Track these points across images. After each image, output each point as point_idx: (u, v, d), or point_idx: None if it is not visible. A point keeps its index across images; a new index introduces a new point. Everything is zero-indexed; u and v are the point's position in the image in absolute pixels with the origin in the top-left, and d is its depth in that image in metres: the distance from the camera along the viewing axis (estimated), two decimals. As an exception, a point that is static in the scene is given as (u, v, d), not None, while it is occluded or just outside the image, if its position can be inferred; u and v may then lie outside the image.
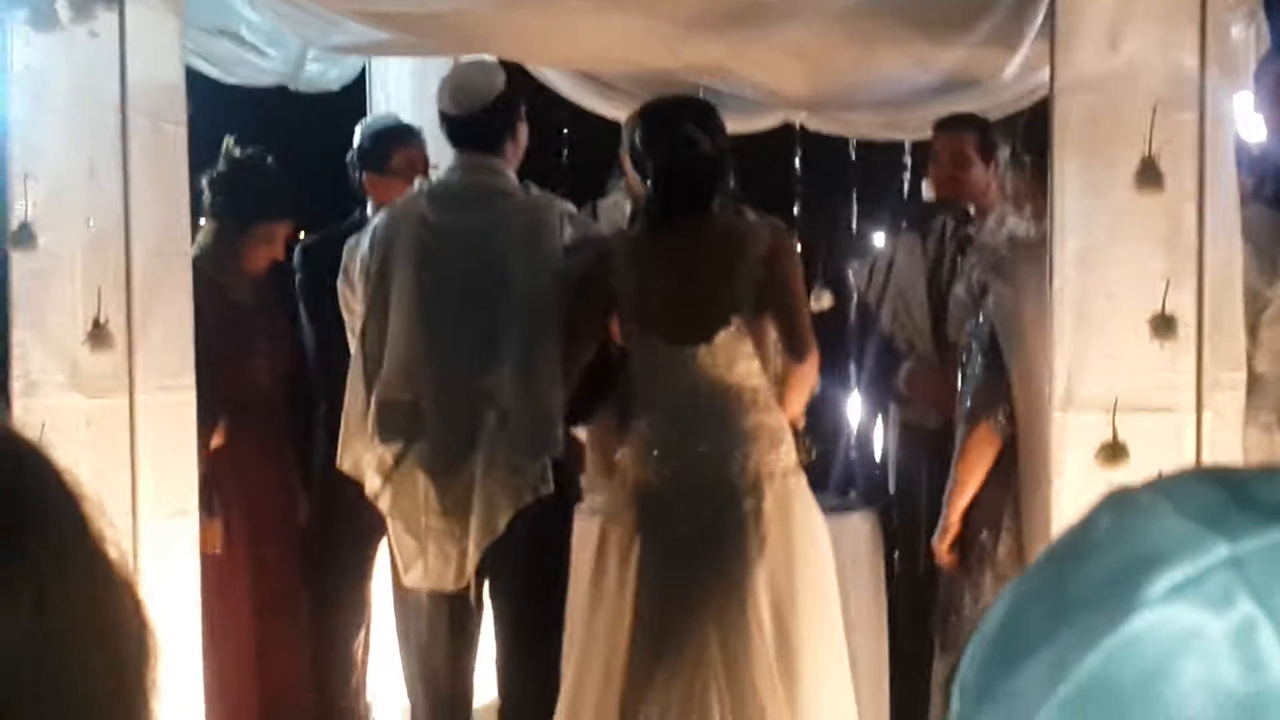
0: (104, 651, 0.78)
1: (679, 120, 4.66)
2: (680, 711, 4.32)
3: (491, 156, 4.89)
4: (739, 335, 4.49)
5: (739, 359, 4.51)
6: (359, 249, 4.98)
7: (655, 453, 4.58)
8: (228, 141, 5.33)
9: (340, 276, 5.06)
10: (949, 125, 5.72)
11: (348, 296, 5.01)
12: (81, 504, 0.81)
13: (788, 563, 4.46)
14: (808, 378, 4.63)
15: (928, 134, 6.18)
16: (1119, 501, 0.70)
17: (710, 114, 4.75)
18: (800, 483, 4.54)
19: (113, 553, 0.81)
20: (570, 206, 5.17)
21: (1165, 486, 0.69)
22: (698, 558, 4.48)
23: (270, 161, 5.51)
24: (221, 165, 5.39)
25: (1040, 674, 0.65)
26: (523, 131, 5.03)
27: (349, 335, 5.01)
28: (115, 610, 0.80)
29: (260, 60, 5.94)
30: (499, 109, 4.90)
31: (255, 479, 5.45)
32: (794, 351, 4.54)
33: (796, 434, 4.66)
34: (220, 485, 5.20)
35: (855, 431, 6.31)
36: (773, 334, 4.59)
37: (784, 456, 4.50)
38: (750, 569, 4.41)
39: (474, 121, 4.91)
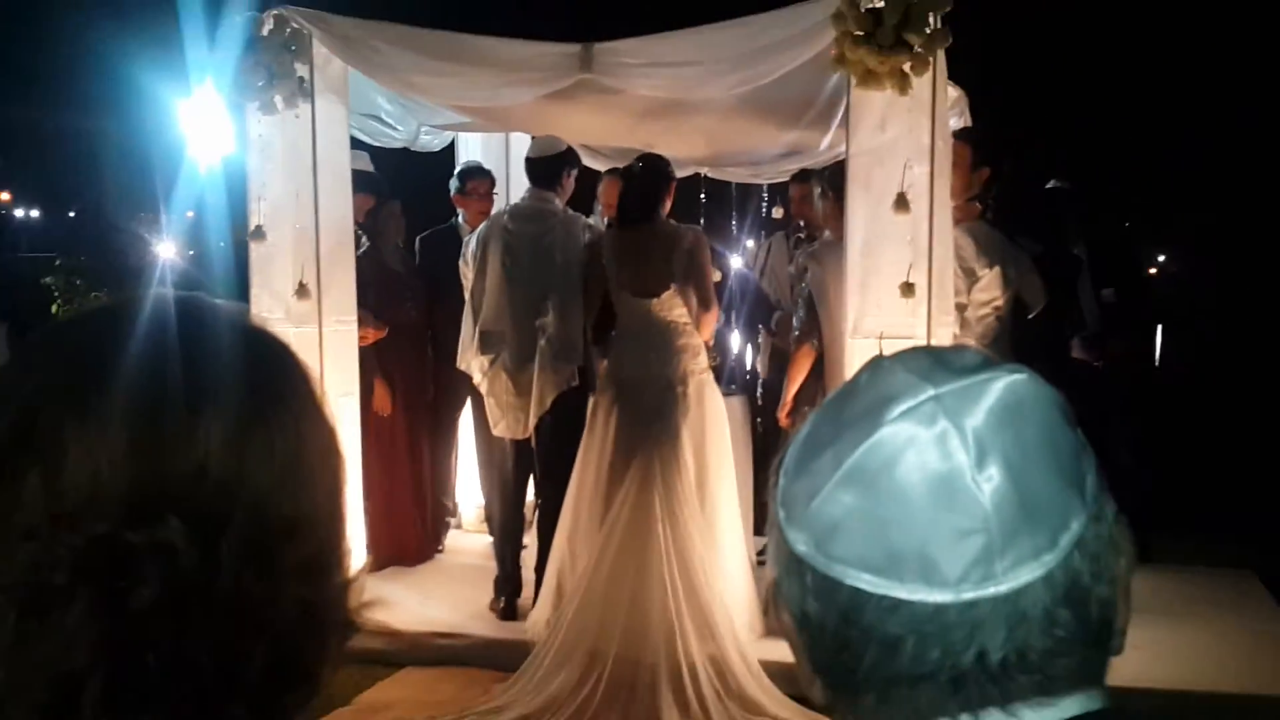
0: (328, 469, 0.92)
1: (642, 173, 5.86)
2: (634, 506, 5.48)
3: (547, 191, 6.15)
4: (675, 293, 5.70)
5: (675, 306, 5.73)
6: (470, 244, 6.20)
7: (627, 359, 5.79)
8: None
9: (461, 260, 6.24)
10: (800, 177, 6.90)
11: (464, 271, 6.21)
12: (310, 374, 0.94)
13: (699, 422, 5.66)
14: (712, 319, 5.77)
15: (779, 179, 7.36)
16: (873, 364, 0.95)
17: (658, 166, 5.89)
18: (709, 378, 5.75)
19: (326, 408, 0.94)
20: (588, 220, 6.36)
21: (898, 355, 0.94)
22: (650, 419, 5.63)
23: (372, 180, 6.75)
24: None
25: (827, 462, 0.89)
26: (569, 181, 6.19)
27: (465, 294, 6.17)
28: (332, 445, 0.93)
29: (393, 132, 7.05)
30: (555, 161, 6.13)
31: (407, 372, 6.99)
32: (704, 304, 5.73)
33: (708, 349, 5.83)
34: (389, 375, 6.82)
35: (739, 351, 7.50)
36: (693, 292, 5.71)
37: (700, 363, 5.72)
38: (679, 427, 5.61)
39: (540, 165, 6.13)
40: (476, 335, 6.09)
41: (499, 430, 6.09)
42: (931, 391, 0.88)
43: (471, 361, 6.11)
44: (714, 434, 5.68)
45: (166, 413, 0.85)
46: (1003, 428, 0.87)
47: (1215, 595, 6.47)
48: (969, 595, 0.85)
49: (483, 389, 6.10)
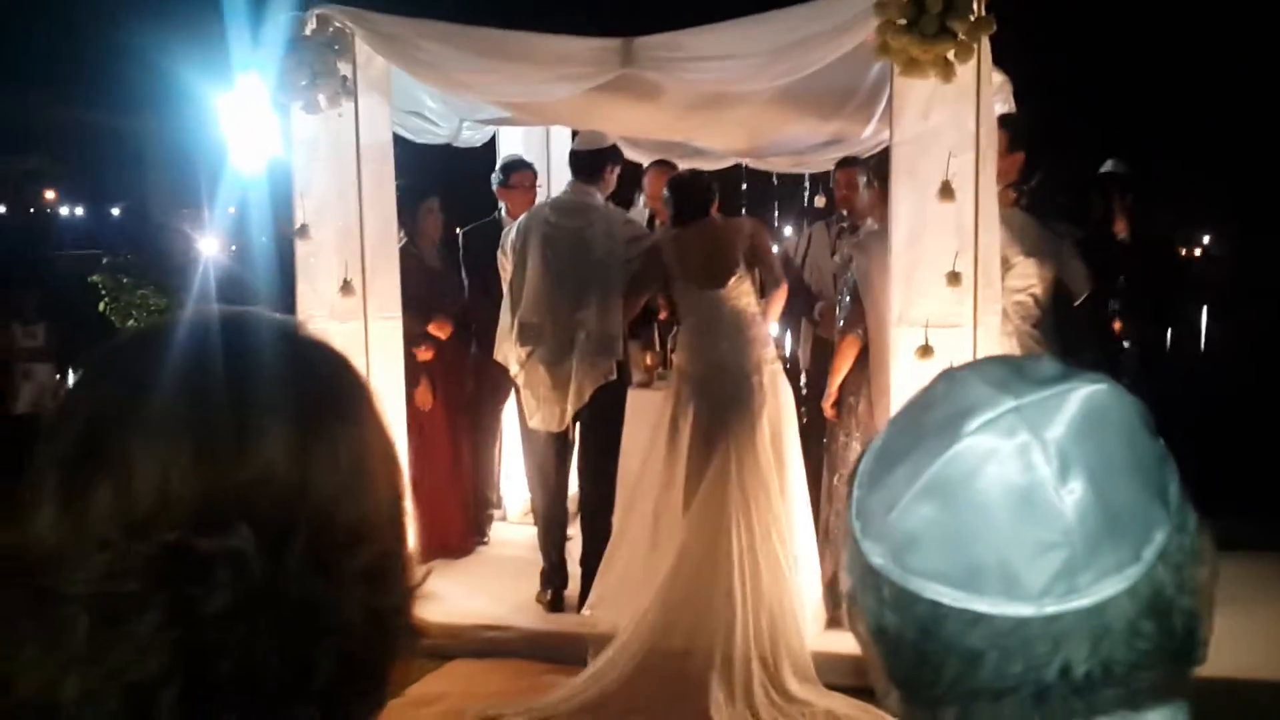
0: (388, 478, 0.94)
1: (689, 180, 6.09)
2: (708, 501, 5.57)
3: (589, 185, 6.18)
4: (740, 280, 5.80)
5: (742, 295, 5.80)
6: (510, 235, 6.25)
7: (698, 352, 5.88)
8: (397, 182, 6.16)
9: (499, 251, 6.28)
10: (845, 163, 6.90)
11: (503, 262, 6.25)
12: (368, 385, 0.96)
13: (776, 412, 5.73)
14: (781, 297, 5.89)
15: (822, 169, 7.34)
16: (948, 375, 0.95)
17: (703, 176, 6.12)
18: (779, 368, 5.85)
19: (385, 418, 0.96)
20: (628, 214, 6.42)
21: (974, 366, 0.94)
22: (727, 409, 5.70)
23: (402, 181, 6.38)
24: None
25: (905, 474, 0.89)
26: (612, 176, 6.24)
27: (503, 285, 6.19)
28: (391, 454, 0.95)
29: (435, 128, 7.02)
30: (599, 156, 6.20)
31: (447, 366, 7.05)
32: (772, 283, 5.86)
33: (775, 342, 5.85)
34: (430, 370, 6.85)
35: (779, 340, 7.15)
36: (758, 279, 5.77)
37: (770, 353, 5.81)
38: (757, 415, 5.66)
39: (584, 158, 6.20)
40: (515, 326, 6.14)
41: (534, 423, 6.18)
42: (1012, 403, 0.87)
43: (509, 353, 6.18)
44: (788, 423, 5.79)
45: (229, 423, 0.86)
46: (1084, 439, 0.86)
47: (1241, 580, 6.36)
48: (1051, 609, 0.85)
49: (519, 381, 6.19)
